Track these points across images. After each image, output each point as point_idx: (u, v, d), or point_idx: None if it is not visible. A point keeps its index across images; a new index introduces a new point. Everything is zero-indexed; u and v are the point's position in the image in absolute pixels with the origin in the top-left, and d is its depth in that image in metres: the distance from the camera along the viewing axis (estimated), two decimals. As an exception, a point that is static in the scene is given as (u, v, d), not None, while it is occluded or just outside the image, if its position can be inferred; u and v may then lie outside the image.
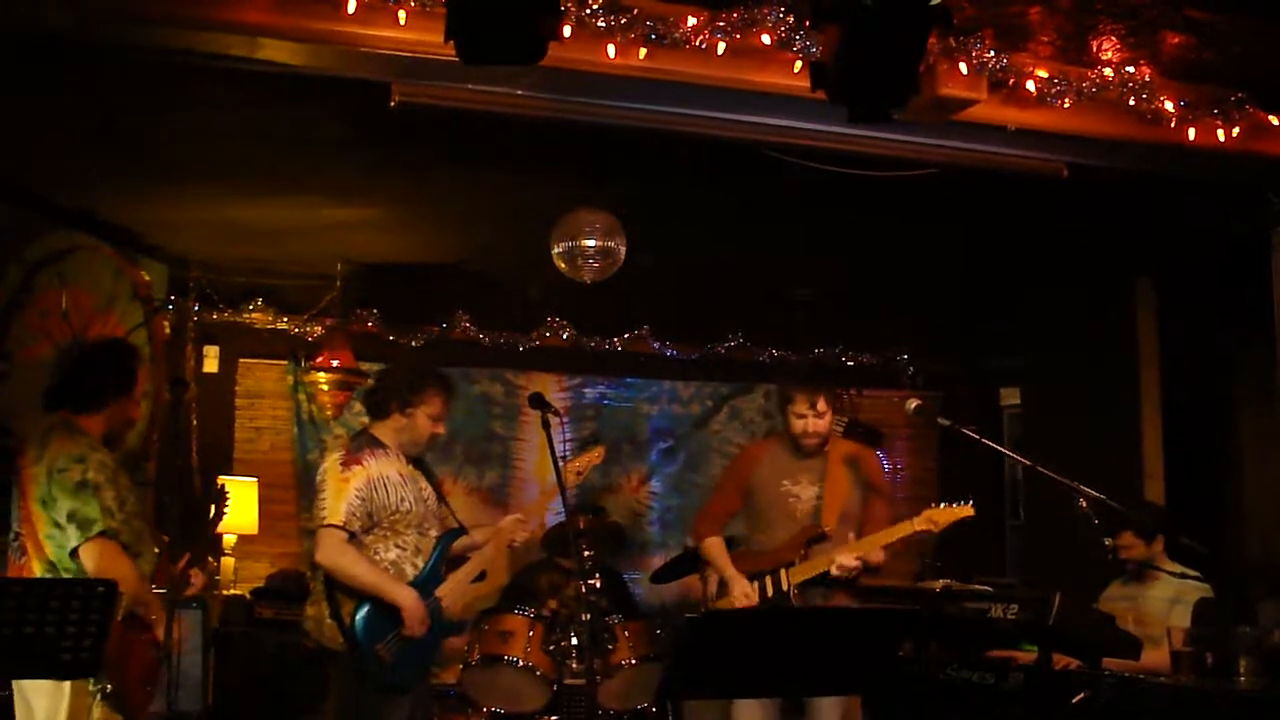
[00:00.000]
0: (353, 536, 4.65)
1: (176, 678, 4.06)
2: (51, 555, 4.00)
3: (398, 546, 4.76)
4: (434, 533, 4.91)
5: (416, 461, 4.96)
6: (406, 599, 4.66)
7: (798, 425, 5.19)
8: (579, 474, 5.28)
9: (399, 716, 4.75)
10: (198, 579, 4.46)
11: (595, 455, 5.35)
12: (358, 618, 4.62)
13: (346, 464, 4.71)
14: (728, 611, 5.12)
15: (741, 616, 4.42)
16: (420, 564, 4.81)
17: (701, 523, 5.46)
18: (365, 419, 7.33)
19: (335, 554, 4.62)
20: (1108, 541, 4.88)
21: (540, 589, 6.78)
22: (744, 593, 5.13)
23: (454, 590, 4.87)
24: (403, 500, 4.75)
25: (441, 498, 5.06)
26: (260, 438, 7.86)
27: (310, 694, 6.85)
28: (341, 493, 4.65)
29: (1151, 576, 5.33)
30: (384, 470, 4.75)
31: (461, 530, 5.07)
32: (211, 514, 4.67)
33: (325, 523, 4.65)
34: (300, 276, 7.64)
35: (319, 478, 4.80)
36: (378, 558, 4.72)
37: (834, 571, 4.99)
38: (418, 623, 4.66)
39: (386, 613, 4.64)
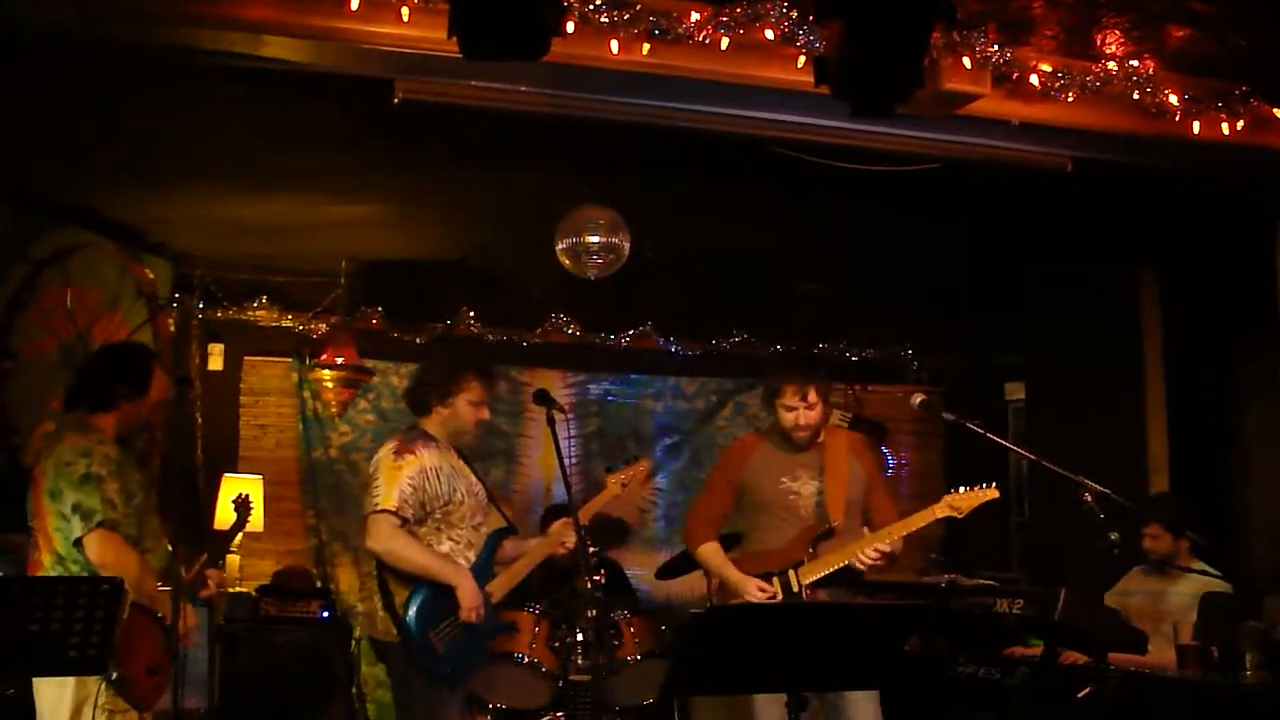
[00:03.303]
0: (405, 523, 4.67)
1: (183, 675, 4.07)
2: (59, 548, 4.07)
3: (450, 540, 4.78)
4: (485, 529, 4.94)
5: (464, 459, 5.00)
6: (463, 581, 4.68)
7: (788, 419, 4.90)
8: (624, 485, 5.25)
9: (452, 712, 4.78)
10: (214, 578, 4.51)
11: (642, 469, 5.34)
12: (411, 607, 4.64)
13: (400, 453, 4.75)
14: (732, 607, 5.08)
15: (746, 612, 4.38)
16: (473, 558, 4.82)
17: (695, 528, 5.11)
18: (371, 416, 7.36)
19: (387, 539, 4.64)
20: (1113, 535, 4.86)
21: (534, 584, 6.79)
22: (759, 587, 4.83)
23: (504, 587, 4.91)
24: (454, 491, 4.79)
25: (491, 497, 5.07)
26: (265, 435, 7.86)
27: (316, 691, 6.89)
28: (394, 480, 4.67)
29: (1176, 572, 5.30)
30: (436, 461, 4.78)
31: (512, 529, 5.09)
32: (233, 524, 4.76)
33: (378, 508, 4.66)
34: (304, 274, 7.65)
35: (372, 468, 4.84)
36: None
37: (861, 563, 4.74)
38: (474, 607, 4.66)
39: (440, 600, 4.66)
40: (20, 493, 4.25)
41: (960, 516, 4.77)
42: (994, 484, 4.74)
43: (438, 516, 4.76)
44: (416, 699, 4.71)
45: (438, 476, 4.75)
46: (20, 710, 4.03)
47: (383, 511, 4.64)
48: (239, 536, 4.93)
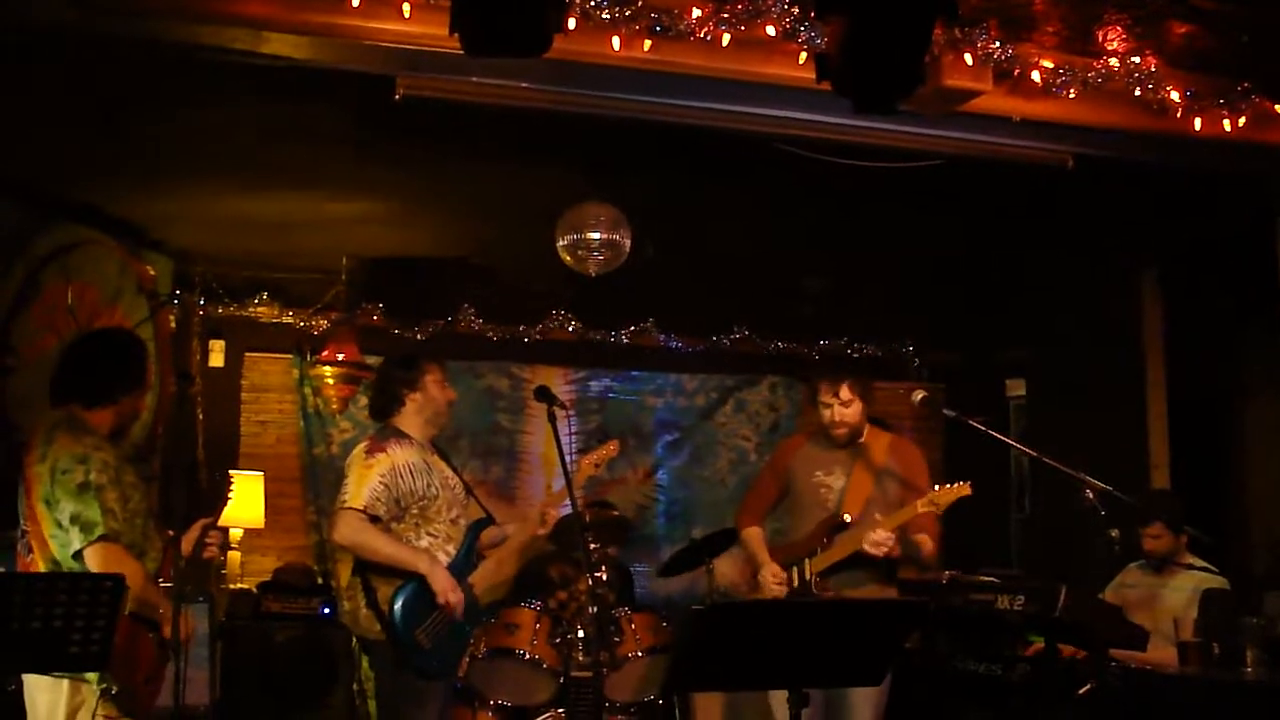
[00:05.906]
0: (376, 521, 4.73)
1: (184, 672, 4.03)
2: (56, 554, 3.93)
3: (429, 534, 4.85)
4: (463, 522, 4.99)
5: (439, 453, 5.05)
6: (429, 568, 4.73)
7: (825, 415, 5.14)
8: (596, 467, 5.33)
9: (435, 705, 4.82)
10: (214, 539, 4.35)
11: (611, 449, 5.40)
12: (396, 605, 4.70)
13: (371, 451, 4.82)
14: (733, 603, 5.13)
15: (747, 608, 4.40)
16: (452, 551, 4.89)
17: (742, 513, 5.45)
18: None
19: (352, 532, 4.72)
20: (1113, 532, 4.87)
21: (552, 581, 6.79)
22: (773, 574, 5.10)
23: (486, 577, 4.98)
24: (429, 486, 4.85)
25: (469, 489, 5.14)
26: (266, 431, 7.86)
27: (318, 687, 6.89)
28: (365, 479, 4.74)
29: (1172, 568, 5.32)
30: (408, 458, 4.84)
31: (490, 520, 5.15)
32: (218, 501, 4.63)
33: (345, 505, 4.74)
34: (305, 270, 7.64)
35: (345, 465, 4.91)
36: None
37: (867, 549, 4.84)
38: (448, 591, 4.72)
39: (424, 597, 4.71)
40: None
41: (938, 512, 4.93)
42: (968, 481, 4.85)
43: (415, 512, 4.82)
44: (403, 693, 4.75)
45: (410, 473, 4.81)
46: (16, 712, 3.99)
47: (350, 509, 4.72)
48: (228, 520, 4.88)
